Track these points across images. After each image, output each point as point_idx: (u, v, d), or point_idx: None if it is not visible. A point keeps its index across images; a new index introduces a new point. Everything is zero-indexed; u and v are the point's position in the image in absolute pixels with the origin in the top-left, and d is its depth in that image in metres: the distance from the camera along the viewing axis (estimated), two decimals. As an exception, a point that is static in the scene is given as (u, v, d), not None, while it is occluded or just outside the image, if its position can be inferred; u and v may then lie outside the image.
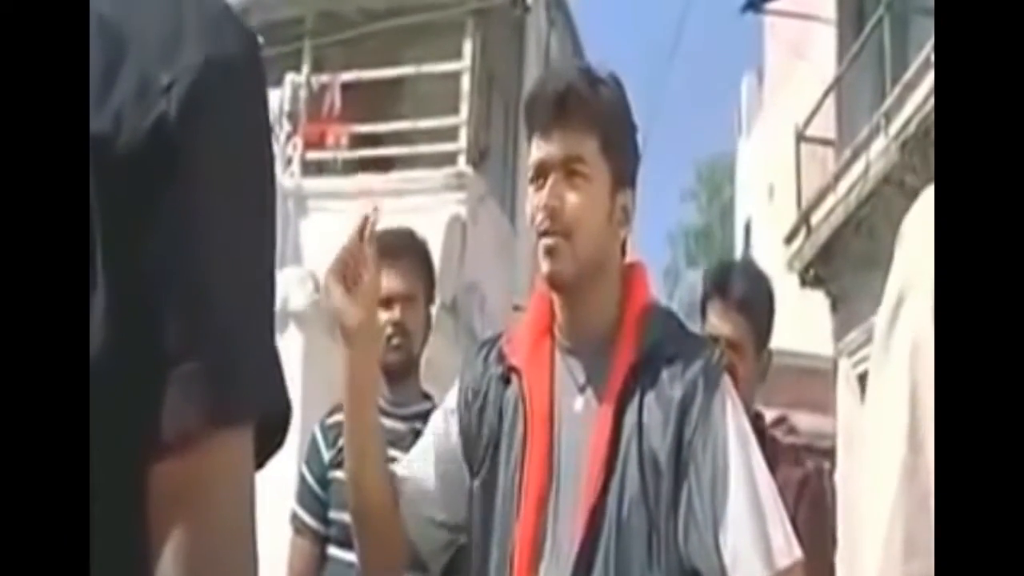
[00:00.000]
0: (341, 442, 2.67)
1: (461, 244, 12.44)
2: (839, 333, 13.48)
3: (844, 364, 13.14)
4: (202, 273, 1.02)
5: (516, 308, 3.04)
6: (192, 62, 1.04)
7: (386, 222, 10.15)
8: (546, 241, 2.20)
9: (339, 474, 3.15)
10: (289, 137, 13.24)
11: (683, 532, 2.07)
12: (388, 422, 3.42)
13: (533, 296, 2.41)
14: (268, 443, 1.09)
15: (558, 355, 2.29)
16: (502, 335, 2.41)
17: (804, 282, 14.30)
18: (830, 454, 14.84)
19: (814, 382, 17.25)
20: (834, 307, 13.91)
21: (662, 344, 2.21)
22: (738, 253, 27.66)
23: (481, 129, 13.76)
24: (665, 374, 2.16)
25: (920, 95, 10.04)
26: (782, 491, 2.98)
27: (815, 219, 13.50)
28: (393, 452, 3.33)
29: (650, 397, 2.16)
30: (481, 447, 2.29)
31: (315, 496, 3.49)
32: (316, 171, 13.28)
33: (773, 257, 17.60)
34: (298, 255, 12.62)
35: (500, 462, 2.25)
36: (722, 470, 2.08)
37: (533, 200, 2.24)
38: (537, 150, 2.25)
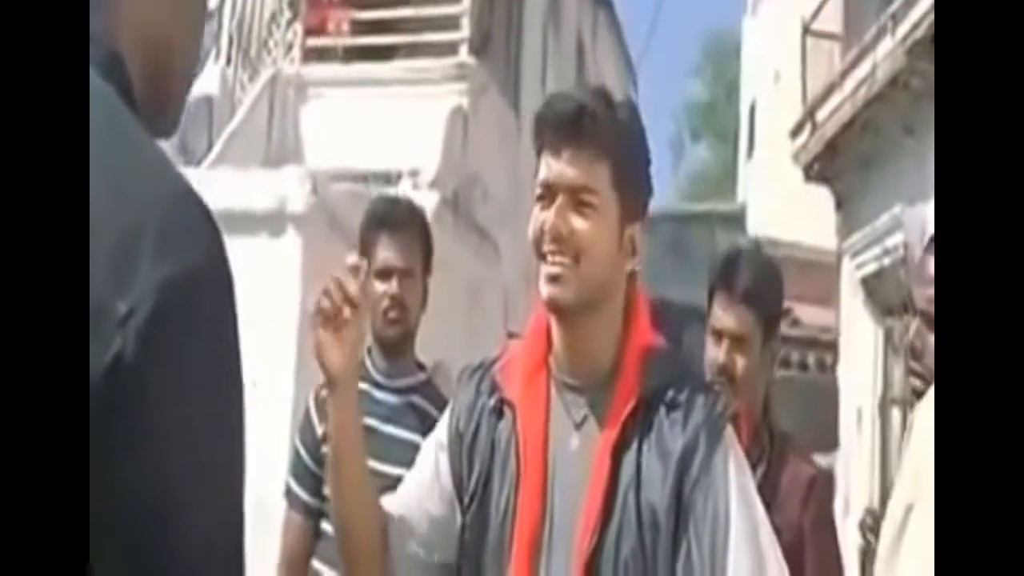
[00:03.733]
0: None
1: (463, 136, 12.35)
2: (843, 232, 13.43)
3: (847, 265, 13.10)
4: (169, 534, 0.98)
5: (511, 336, 2.98)
6: (150, 286, 0.96)
7: (388, 111, 10.08)
8: (550, 268, 2.10)
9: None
10: (290, 23, 13.07)
11: None
12: (382, 395, 3.44)
13: (530, 321, 2.30)
14: None
15: (554, 389, 2.20)
16: (496, 360, 2.32)
17: (809, 177, 14.21)
18: (832, 347, 14.99)
19: (818, 275, 17.27)
20: (838, 205, 13.83)
21: (664, 389, 2.12)
22: (743, 133, 27.59)
23: (484, 15, 13.56)
24: (666, 423, 2.09)
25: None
26: (789, 490, 2.96)
27: (821, 115, 13.34)
28: (387, 427, 3.32)
29: (649, 446, 2.08)
30: (472, 483, 2.22)
31: (309, 470, 3.47)
32: (317, 58, 13.11)
33: (778, 145, 17.53)
34: (298, 145, 12.53)
35: (491, 499, 2.18)
36: (723, 528, 2.01)
37: (538, 218, 2.13)
38: (546, 169, 2.14)
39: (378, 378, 3.46)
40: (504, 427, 2.21)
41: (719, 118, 40.19)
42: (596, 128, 2.10)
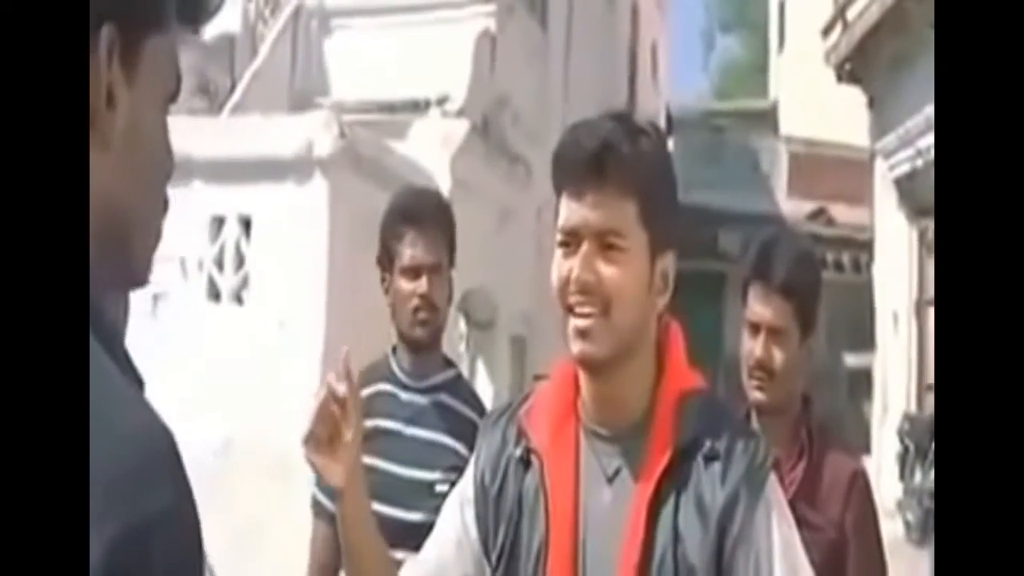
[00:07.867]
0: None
1: (490, 59, 12.24)
2: (875, 133, 13.33)
3: (880, 166, 13.02)
4: None
5: (537, 378, 2.88)
6: (97, 555, 0.90)
7: (413, 37, 10.02)
8: (579, 322, 1.94)
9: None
10: (310, -49, 12.94)
11: None
12: (408, 396, 3.38)
13: (556, 366, 2.16)
14: None
15: (583, 439, 2.05)
16: (522, 403, 2.18)
17: (840, 77, 14.11)
18: (868, 247, 14.92)
19: (852, 173, 17.20)
20: (871, 105, 13.72)
21: (701, 438, 1.97)
22: (773, 27, 27.32)
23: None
24: (704, 475, 1.95)
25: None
26: (831, 486, 2.92)
27: (851, 14, 13.20)
28: (410, 430, 3.31)
29: (687, 500, 1.95)
30: (499, 539, 2.08)
31: None
32: (339, -13, 13.01)
33: (809, 42, 17.38)
34: (324, 77, 12.49)
35: (520, 558, 2.05)
36: None
37: (562, 266, 1.97)
38: (568, 212, 1.97)
39: (404, 379, 3.38)
40: (531, 479, 2.07)
41: (750, 10, 39.89)
42: (620, 166, 1.94)
